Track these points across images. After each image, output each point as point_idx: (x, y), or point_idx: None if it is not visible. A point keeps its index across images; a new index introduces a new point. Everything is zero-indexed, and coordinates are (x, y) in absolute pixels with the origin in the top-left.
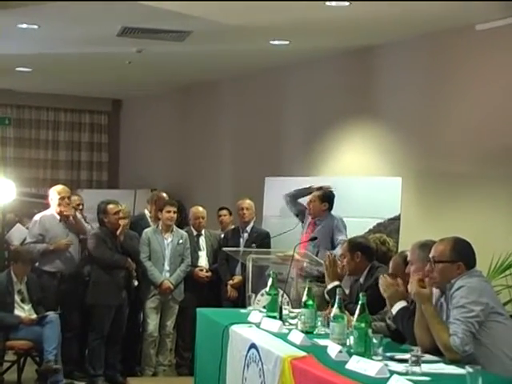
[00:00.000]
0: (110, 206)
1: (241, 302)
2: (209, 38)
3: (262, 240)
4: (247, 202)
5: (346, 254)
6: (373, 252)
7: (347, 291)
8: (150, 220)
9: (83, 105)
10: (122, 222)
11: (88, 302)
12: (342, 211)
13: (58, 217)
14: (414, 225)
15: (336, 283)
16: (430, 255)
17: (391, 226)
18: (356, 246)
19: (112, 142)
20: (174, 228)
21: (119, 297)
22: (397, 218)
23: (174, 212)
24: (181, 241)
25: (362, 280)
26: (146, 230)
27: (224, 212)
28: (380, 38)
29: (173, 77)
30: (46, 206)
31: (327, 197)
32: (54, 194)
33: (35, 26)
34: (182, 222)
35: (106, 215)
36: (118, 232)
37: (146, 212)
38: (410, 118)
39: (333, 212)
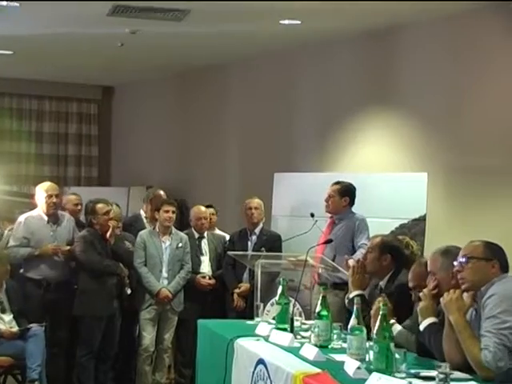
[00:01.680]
0: (99, 206)
1: (248, 312)
2: (210, 18)
3: (272, 243)
4: (256, 201)
5: (374, 251)
6: (403, 259)
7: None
8: (145, 221)
9: (70, 92)
10: (112, 224)
11: (75, 313)
12: (360, 211)
13: (46, 218)
14: (441, 226)
15: (359, 292)
16: (461, 254)
17: (416, 228)
18: (388, 247)
19: (103, 134)
20: (173, 230)
21: (110, 307)
22: (422, 219)
23: (173, 212)
24: (180, 244)
25: (382, 285)
26: (141, 232)
27: (211, 211)
28: (403, 17)
29: (171, 61)
30: (31, 206)
31: (348, 191)
32: (41, 192)
33: (16, 4)
34: (182, 224)
35: (95, 216)
36: (108, 234)
37: (142, 212)
38: (437, 107)
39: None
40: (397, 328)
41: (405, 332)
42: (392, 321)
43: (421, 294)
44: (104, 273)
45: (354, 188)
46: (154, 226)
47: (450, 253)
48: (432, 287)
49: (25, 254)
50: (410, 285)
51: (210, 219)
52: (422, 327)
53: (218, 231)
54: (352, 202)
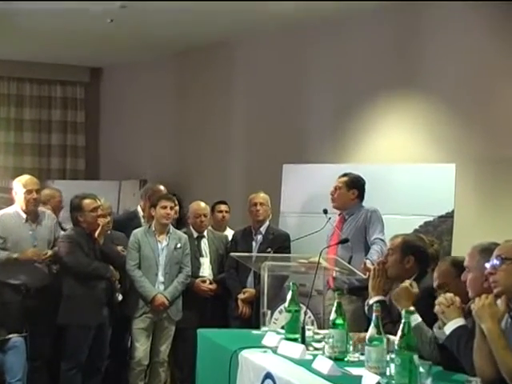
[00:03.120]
0: (86, 202)
1: (253, 321)
2: None
3: (280, 243)
4: (261, 196)
5: (395, 253)
6: (428, 260)
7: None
8: (143, 220)
9: (54, 74)
10: (101, 221)
11: (60, 321)
12: (380, 207)
13: (24, 215)
14: (471, 224)
15: (379, 298)
16: (494, 254)
17: (442, 226)
18: (411, 248)
19: (90, 122)
20: (171, 229)
21: (99, 315)
22: (449, 216)
23: (171, 208)
24: (179, 245)
25: None
26: (135, 231)
27: (223, 207)
28: None
29: (167, 39)
30: (9, 202)
31: (356, 183)
32: (19, 186)
33: None
34: (179, 222)
35: (82, 213)
36: (96, 233)
37: (139, 209)
38: (466, 91)
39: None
40: (417, 319)
41: (422, 326)
42: (411, 308)
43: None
44: (92, 277)
45: (364, 181)
46: (149, 224)
47: (489, 251)
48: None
49: (2, 259)
50: (435, 284)
51: (223, 217)
52: (447, 330)
53: (229, 230)
54: (361, 196)
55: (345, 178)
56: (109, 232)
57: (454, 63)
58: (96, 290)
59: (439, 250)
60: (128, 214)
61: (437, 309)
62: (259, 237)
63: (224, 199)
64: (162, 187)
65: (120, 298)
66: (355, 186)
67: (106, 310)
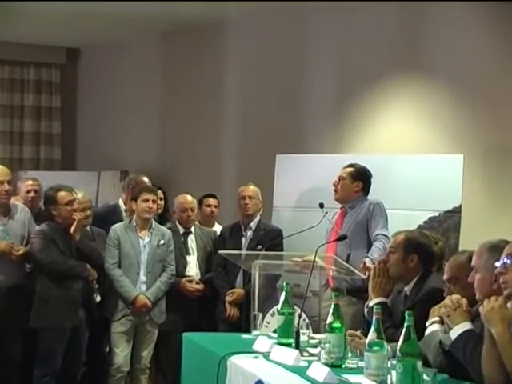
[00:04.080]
0: (61, 194)
1: (243, 324)
2: None
3: (271, 240)
4: (251, 189)
5: (397, 251)
6: (433, 259)
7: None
8: (125, 214)
9: (27, 55)
10: (76, 216)
11: (32, 324)
12: (382, 201)
13: None
14: (480, 219)
15: (380, 299)
16: (505, 253)
17: (449, 221)
18: (415, 245)
19: (66, 107)
20: (154, 224)
21: (74, 317)
22: (456, 211)
23: (154, 201)
24: (162, 241)
25: (407, 290)
26: (114, 226)
27: (212, 201)
28: None
29: (152, 17)
30: None
31: (362, 174)
32: None
33: None
34: (162, 217)
35: (56, 206)
36: (72, 229)
37: (121, 202)
38: (474, 76)
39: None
40: (434, 326)
41: (437, 335)
42: (436, 318)
43: (446, 301)
44: (68, 276)
45: (370, 174)
46: (130, 219)
47: (498, 249)
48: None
49: None
50: (445, 277)
51: (212, 212)
52: (453, 335)
53: (217, 226)
54: (366, 190)
55: (350, 169)
56: (88, 228)
57: (461, 47)
58: (71, 290)
59: (444, 249)
60: (108, 208)
61: (442, 311)
62: (249, 233)
63: (213, 192)
64: (145, 179)
65: (98, 299)
66: (360, 177)
67: (82, 312)
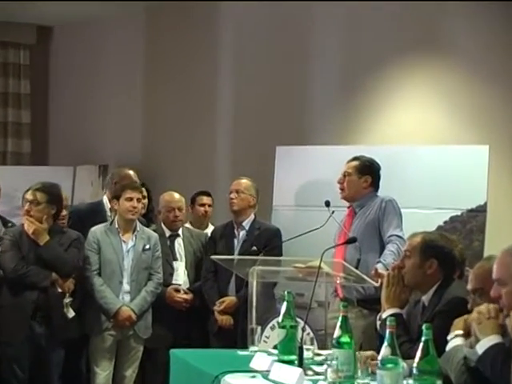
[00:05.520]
0: (29, 193)
1: (239, 339)
2: None
3: (267, 240)
4: (240, 183)
5: (413, 255)
6: (454, 264)
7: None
8: (110, 214)
9: None
10: (27, 219)
11: None
12: (395, 199)
13: None
14: (508, 220)
15: (394, 311)
16: None
17: (472, 222)
18: (434, 248)
19: (37, 93)
20: (138, 226)
21: (23, 331)
22: (481, 210)
23: (138, 200)
24: (148, 246)
25: (426, 300)
26: (93, 228)
27: (206, 199)
28: None
29: None
30: None
31: (369, 168)
32: None
33: None
34: (145, 217)
35: (22, 206)
36: (30, 232)
37: (105, 200)
38: (501, 56)
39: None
40: (456, 340)
41: (461, 350)
42: (459, 332)
43: (481, 308)
44: (21, 284)
45: (379, 166)
46: (111, 221)
47: None
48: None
49: None
50: (469, 286)
51: (206, 212)
52: (480, 349)
53: (211, 228)
54: (376, 185)
55: (355, 163)
56: (65, 230)
57: (485, 21)
58: (23, 300)
59: (464, 253)
60: (91, 206)
61: (474, 317)
62: (242, 233)
63: (204, 189)
64: (131, 172)
65: (71, 314)
66: (368, 171)
67: (39, 327)
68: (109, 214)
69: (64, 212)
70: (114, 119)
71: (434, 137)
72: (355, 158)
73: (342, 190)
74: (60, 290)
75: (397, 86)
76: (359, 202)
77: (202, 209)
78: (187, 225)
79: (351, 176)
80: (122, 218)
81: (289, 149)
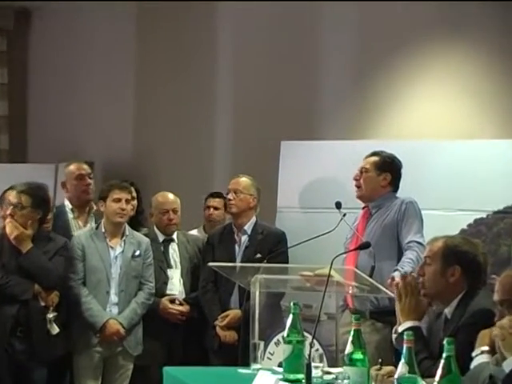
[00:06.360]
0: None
1: (240, 355)
2: None
3: (272, 246)
4: (238, 182)
5: (434, 262)
6: (480, 272)
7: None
8: (72, 216)
9: None
10: (8, 222)
11: None
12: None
13: None
14: None
15: (412, 324)
16: None
17: (500, 225)
18: (457, 255)
19: (15, 83)
20: (128, 230)
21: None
22: (510, 211)
23: (128, 201)
24: (138, 252)
25: (448, 313)
26: (77, 233)
27: (212, 201)
28: None
29: None
30: None
31: (389, 164)
32: None
33: None
34: (134, 220)
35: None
36: (12, 237)
37: (66, 202)
38: None
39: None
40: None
41: (487, 367)
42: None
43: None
44: (7, 296)
45: (400, 163)
46: (97, 224)
47: None
48: None
49: None
50: (496, 297)
51: (210, 215)
52: (507, 367)
53: None
54: (395, 184)
55: (375, 158)
56: (51, 236)
57: (509, 8)
58: (2, 314)
59: (488, 259)
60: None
61: (495, 333)
62: (243, 238)
63: (202, 189)
64: (84, 166)
65: (55, 330)
66: (388, 168)
67: (19, 345)
68: (71, 216)
69: (49, 215)
70: (102, 111)
71: (456, 131)
72: (374, 153)
73: (358, 187)
74: (43, 304)
75: (415, 76)
76: (376, 203)
77: (207, 212)
78: (200, 229)
79: (369, 172)
80: (109, 221)
81: (295, 144)
